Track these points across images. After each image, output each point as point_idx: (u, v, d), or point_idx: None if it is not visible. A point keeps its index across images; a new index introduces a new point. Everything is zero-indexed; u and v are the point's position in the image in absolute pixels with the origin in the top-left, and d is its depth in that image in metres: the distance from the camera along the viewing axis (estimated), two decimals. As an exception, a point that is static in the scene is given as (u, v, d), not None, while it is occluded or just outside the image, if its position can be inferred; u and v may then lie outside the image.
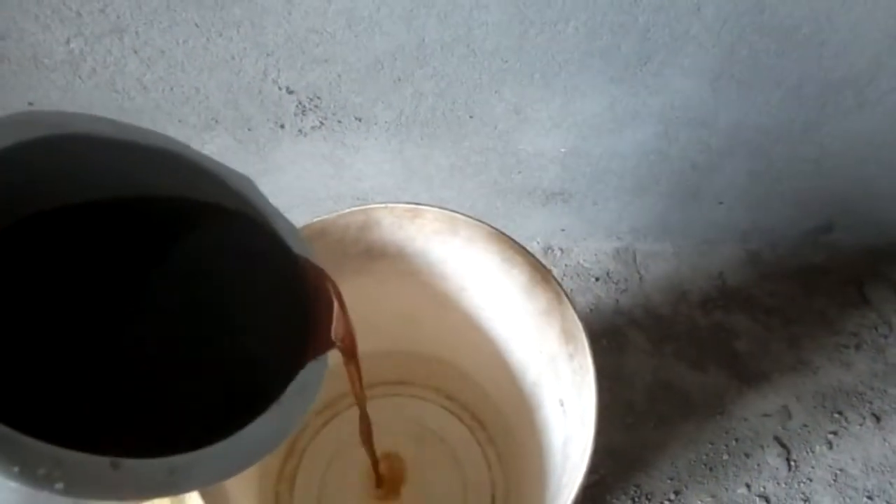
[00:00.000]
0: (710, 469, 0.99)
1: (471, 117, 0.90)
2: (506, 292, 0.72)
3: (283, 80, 0.83)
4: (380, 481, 0.81)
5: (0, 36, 0.74)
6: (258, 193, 0.44)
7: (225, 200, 0.43)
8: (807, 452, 1.01)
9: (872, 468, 1.00)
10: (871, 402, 1.07)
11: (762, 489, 0.98)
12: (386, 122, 0.90)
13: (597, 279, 1.18)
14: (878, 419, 1.05)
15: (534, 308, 0.70)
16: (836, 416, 1.05)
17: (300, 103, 0.86)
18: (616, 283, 1.17)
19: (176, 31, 0.75)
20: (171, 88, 0.83)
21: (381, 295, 0.75)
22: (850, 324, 1.16)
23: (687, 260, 1.21)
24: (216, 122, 0.88)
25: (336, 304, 0.45)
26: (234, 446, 0.35)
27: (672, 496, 0.97)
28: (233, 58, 0.79)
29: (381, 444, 0.71)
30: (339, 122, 0.89)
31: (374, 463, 0.77)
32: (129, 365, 0.43)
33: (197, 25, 0.75)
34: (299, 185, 1.01)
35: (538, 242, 1.20)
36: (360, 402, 0.62)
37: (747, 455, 1.01)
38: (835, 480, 0.99)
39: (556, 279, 0.67)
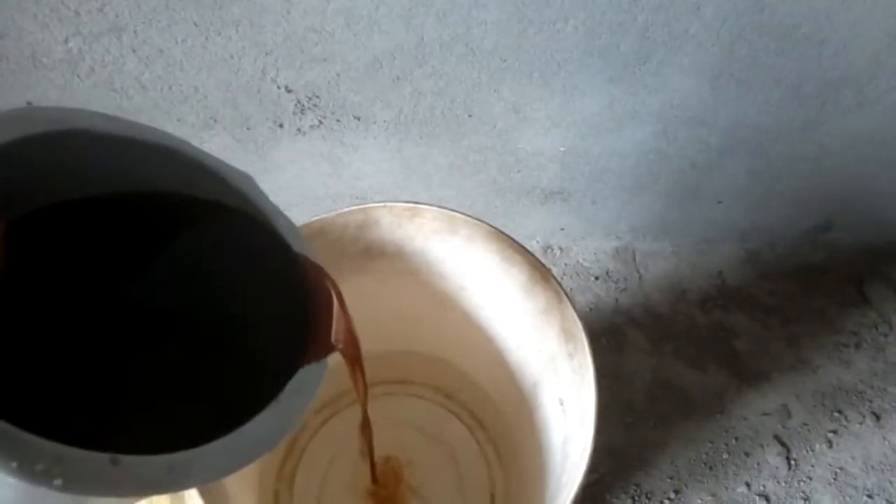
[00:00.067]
0: (710, 468, 0.99)
1: (469, 116, 0.90)
2: (505, 291, 0.72)
3: (281, 78, 0.83)
4: (378, 480, 0.81)
5: (-2, 35, 0.74)
6: (258, 191, 0.43)
7: (225, 197, 0.43)
8: (807, 451, 1.01)
9: (872, 467, 1.00)
10: (870, 401, 1.07)
11: (762, 488, 0.98)
12: (385, 120, 0.90)
13: (596, 278, 1.18)
14: (877, 418, 1.05)
15: (533, 307, 0.70)
16: (836, 414, 1.05)
17: (299, 102, 0.86)
18: (615, 283, 1.17)
19: (174, 29, 0.75)
20: (170, 87, 0.83)
21: (380, 294, 0.75)
22: (850, 323, 1.16)
23: (686, 259, 1.21)
24: (215, 121, 0.88)
25: (336, 304, 0.45)
26: (234, 444, 0.35)
27: (672, 495, 0.97)
28: (231, 57, 0.79)
29: (380, 443, 0.71)
30: (338, 120, 0.89)
31: (373, 465, 0.77)
32: (128, 361, 0.42)
33: (195, 24, 0.75)
34: (298, 184, 1.01)
35: (537, 241, 1.19)
36: (363, 406, 0.62)
37: (747, 454, 1.01)
38: (835, 479, 0.99)
39: (555, 278, 0.67)
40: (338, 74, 0.82)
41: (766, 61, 0.84)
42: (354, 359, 0.51)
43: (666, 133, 0.95)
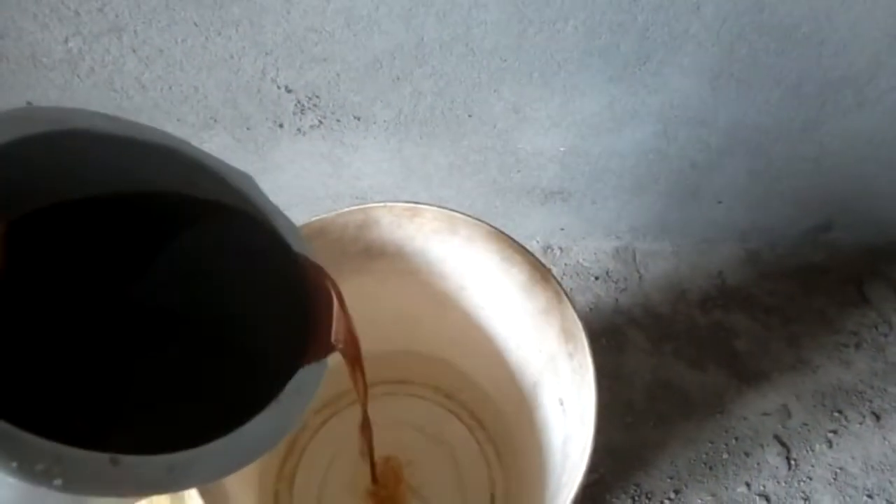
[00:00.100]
0: (710, 468, 0.99)
1: (470, 116, 0.90)
2: (505, 291, 0.72)
3: (281, 78, 0.83)
4: (378, 480, 0.81)
5: (-2, 35, 0.74)
6: (258, 191, 0.43)
7: (225, 197, 0.43)
8: (807, 451, 1.01)
9: (872, 467, 1.00)
10: (870, 401, 1.07)
11: (762, 488, 0.98)
12: (385, 121, 0.90)
13: (596, 278, 1.18)
14: (877, 418, 1.05)
15: (533, 307, 0.70)
16: (836, 414, 1.05)
17: (299, 102, 0.86)
18: (615, 282, 1.17)
19: (174, 29, 0.75)
20: (170, 87, 0.83)
21: (380, 294, 0.75)
22: (850, 323, 1.16)
23: (686, 259, 1.21)
24: (215, 121, 0.88)
25: (336, 304, 0.45)
26: (233, 444, 0.35)
27: (672, 495, 0.97)
28: (231, 57, 0.79)
29: (380, 443, 0.71)
30: (338, 120, 0.89)
31: (373, 465, 0.77)
32: (128, 361, 0.42)
33: (196, 24, 0.75)
34: (298, 184, 1.01)
35: (537, 241, 1.19)
36: (363, 406, 0.62)
37: (747, 454, 1.01)
38: (835, 479, 0.99)
39: (555, 278, 0.67)
40: (338, 74, 0.82)
41: (766, 61, 0.84)
42: (354, 359, 0.51)
43: (666, 133, 0.95)
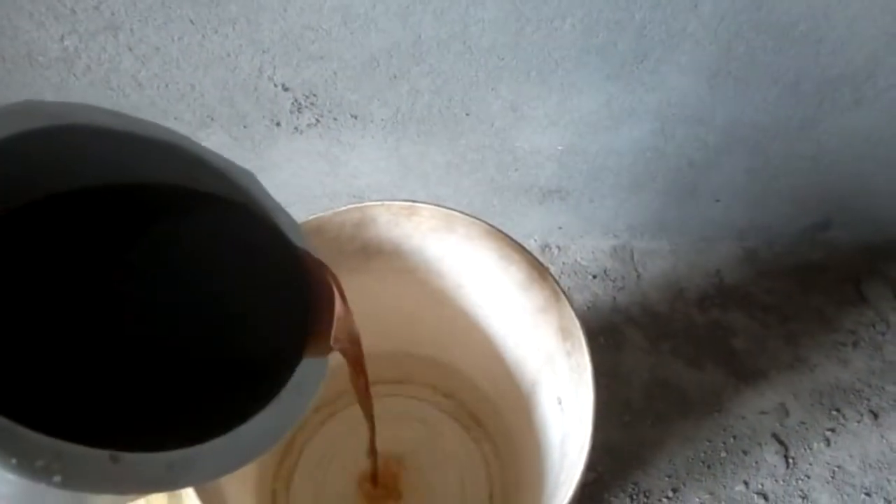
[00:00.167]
0: (708, 467, 0.99)
1: (467, 115, 0.90)
2: (503, 290, 0.72)
3: (278, 77, 0.82)
4: (377, 480, 0.81)
5: (-6, 33, 0.74)
6: (259, 187, 0.43)
7: (225, 193, 0.43)
8: (804, 450, 1.02)
9: (870, 465, 1.01)
10: (868, 400, 1.07)
11: (760, 486, 0.98)
12: (382, 119, 0.90)
13: (594, 277, 1.18)
14: (875, 416, 1.05)
15: (531, 305, 0.70)
16: (834, 413, 1.05)
17: (296, 100, 0.86)
18: (613, 281, 1.17)
19: (171, 27, 0.75)
20: (167, 85, 0.82)
21: (378, 293, 0.75)
22: (848, 321, 1.16)
23: (684, 257, 1.21)
24: (212, 119, 0.88)
25: (338, 301, 0.45)
26: (233, 442, 0.35)
27: (670, 493, 0.97)
28: (228, 55, 0.79)
29: (379, 442, 0.71)
30: (335, 119, 0.89)
31: (374, 466, 0.77)
32: (127, 358, 0.42)
33: (192, 22, 0.75)
34: (295, 183, 1.01)
35: (535, 240, 1.19)
36: (365, 407, 0.62)
37: (745, 452, 1.01)
38: (833, 477, 0.99)
39: (553, 277, 0.67)
40: (335, 73, 0.82)
41: (763, 59, 0.84)
42: (356, 356, 0.51)
43: (664, 131, 0.95)
